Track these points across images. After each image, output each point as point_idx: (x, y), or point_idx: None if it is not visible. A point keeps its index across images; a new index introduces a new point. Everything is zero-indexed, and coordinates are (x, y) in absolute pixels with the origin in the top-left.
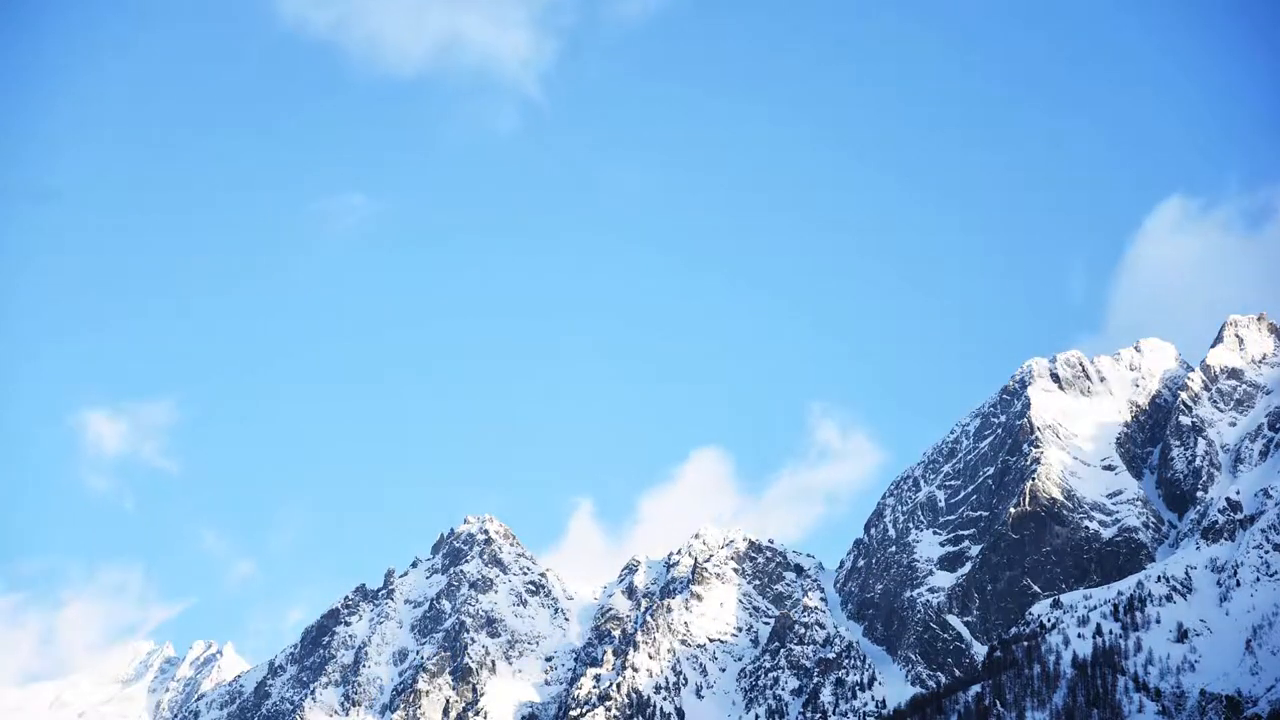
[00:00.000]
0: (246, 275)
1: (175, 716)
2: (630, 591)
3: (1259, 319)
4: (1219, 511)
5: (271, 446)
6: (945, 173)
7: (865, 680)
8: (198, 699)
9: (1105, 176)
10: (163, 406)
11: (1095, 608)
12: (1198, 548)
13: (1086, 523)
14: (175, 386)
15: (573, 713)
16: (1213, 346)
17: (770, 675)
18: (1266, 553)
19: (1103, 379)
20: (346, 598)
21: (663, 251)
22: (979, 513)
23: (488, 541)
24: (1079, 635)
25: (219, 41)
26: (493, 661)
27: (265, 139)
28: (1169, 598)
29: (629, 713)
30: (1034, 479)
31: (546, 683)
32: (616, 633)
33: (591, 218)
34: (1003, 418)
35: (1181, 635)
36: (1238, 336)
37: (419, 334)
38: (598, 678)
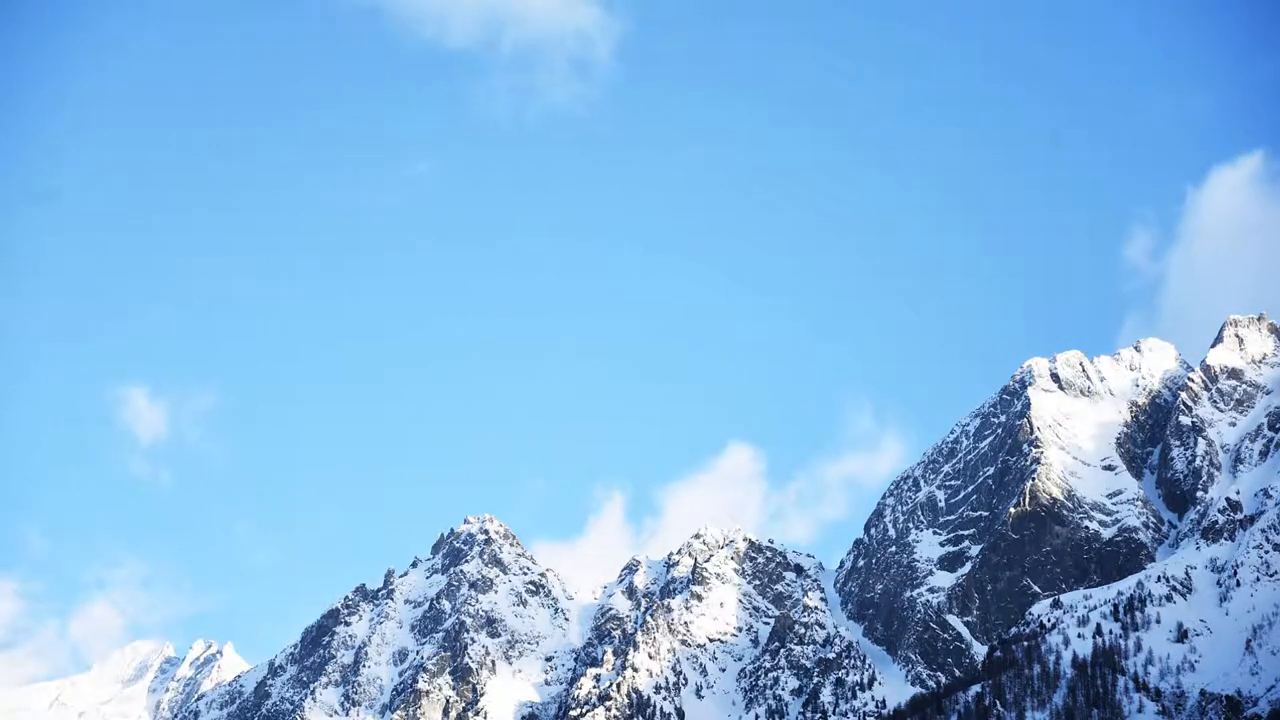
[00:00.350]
0: (247, 273)
1: (175, 716)
2: (630, 591)
3: (1259, 319)
4: (1219, 511)
5: (279, 445)
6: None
7: (865, 680)
8: (198, 699)
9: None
10: (195, 395)
11: (1095, 608)
12: (1198, 548)
13: (1086, 523)
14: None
15: (573, 713)
16: (1213, 346)
17: (770, 675)
18: (1266, 553)
19: (1103, 379)
20: (346, 598)
21: (682, 249)
22: (979, 513)
23: (488, 541)
24: (1079, 635)
25: (252, 16)
26: (493, 661)
27: (301, 116)
28: (1169, 598)
29: (629, 713)
30: (1034, 479)
31: (546, 683)
32: (616, 633)
33: (623, 216)
34: (1003, 418)
35: (1181, 635)
36: (1238, 336)
37: (445, 331)
38: (598, 678)
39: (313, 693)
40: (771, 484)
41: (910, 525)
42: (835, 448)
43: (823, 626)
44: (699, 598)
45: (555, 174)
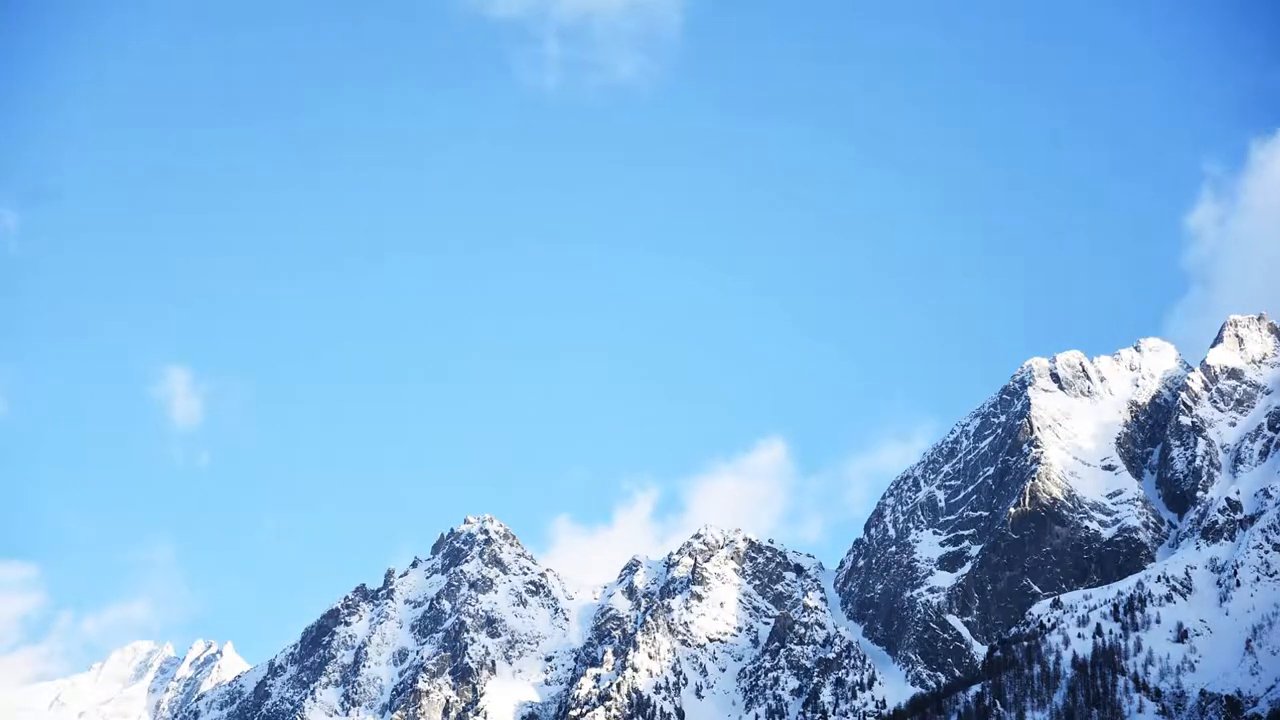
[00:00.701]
0: (249, 272)
1: (175, 716)
2: (630, 591)
3: (1259, 319)
4: (1219, 511)
5: (282, 444)
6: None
7: (865, 680)
8: (198, 699)
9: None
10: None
11: (1095, 608)
12: (1198, 548)
13: (1086, 523)
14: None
15: (573, 713)
16: (1213, 346)
17: (770, 675)
18: (1266, 553)
19: (1103, 379)
20: (346, 598)
21: (689, 249)
22: (979, 513)
23: (488, 541)
24: (1079, 635)
25: None
26: (493, 661)
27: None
28: (1169, 598)
29: (629, 713)
30: (1034, 479)
31: (546, 683)
32: (616, 633)
33: (651, 217)
34: (1003, 418)
35: (1181, 635)
36: (1238, 336)
37: (464, 331)
38: (598, 678)
39: (313, 693)
40: (801, 480)
41: (910, 525)
42: (865, 445)
43: (823, 626)
44: (699, 598)
45: (586, 168)
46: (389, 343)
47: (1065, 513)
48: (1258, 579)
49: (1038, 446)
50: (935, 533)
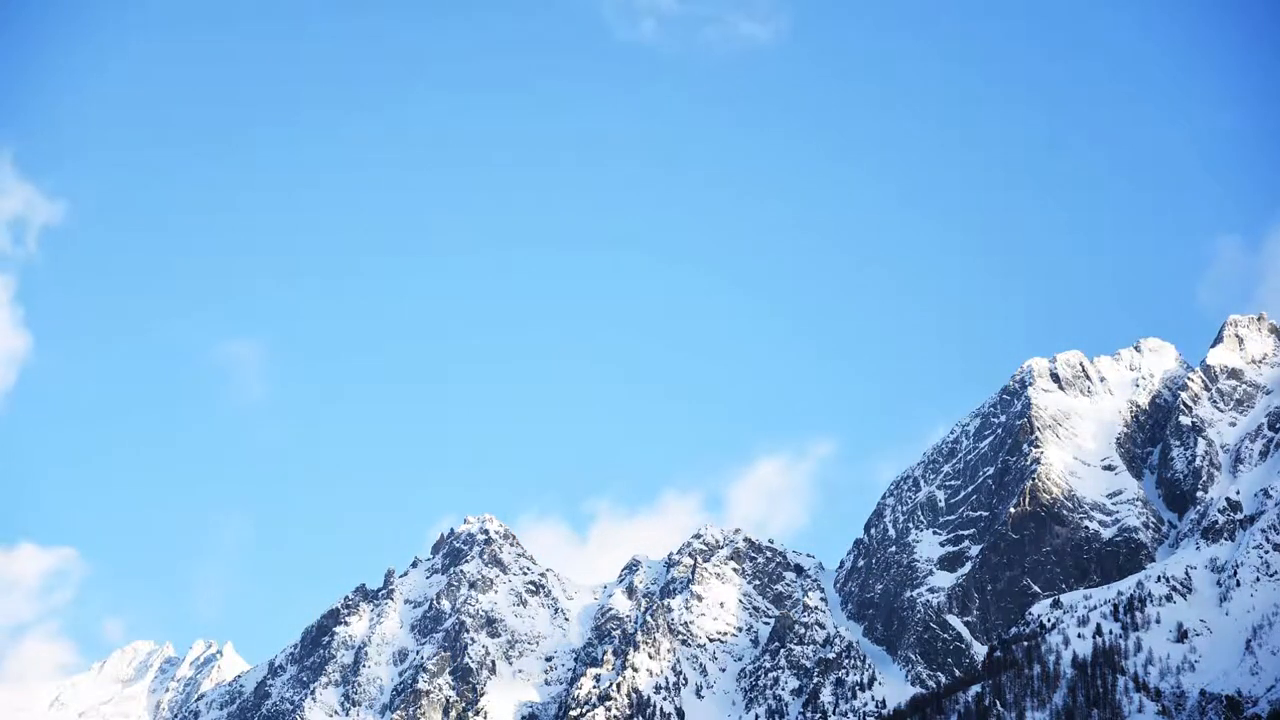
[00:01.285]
0: (249, 272)
1: (175, 716)
2: (630, 591)
3: (1259, 319)
4: (1219, 511)
5: (283, 443)
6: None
7: (865, 680)
8: (198, 699)
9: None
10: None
11: (1095, 608)
12: (1198, 548)
13: (1086, 523)
14: None
15: (573, 713)
16: (1213, 346)
17: (770, 675)
18: (1266, 553)
19: (1103, 379)
20: (346, 598)
21: (692, 253)
22: (979, 513)
23: (488, 541)
24: (1079, 635)
25: None
26: (493, 662)
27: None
28: (1169, 598)
29: (629, 713)
30: (1034, 479)
31: (546, 683)
32: (616, 633)
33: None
34: (1003, 418)
35: (1181, 635)
36: (1238, 336)
37: (506, 331)
38: (598, 678)
39: (313, 693)
40: (841, 477)
41: (910, 525)
42: (909, 442)
43: (823, 626)
44: (699, 598)
45: (652, 159)
46: (430, 339)
47: (1065, 513)
48: (1258, 579)
49: (1038, 446)
50: (935, 533)
